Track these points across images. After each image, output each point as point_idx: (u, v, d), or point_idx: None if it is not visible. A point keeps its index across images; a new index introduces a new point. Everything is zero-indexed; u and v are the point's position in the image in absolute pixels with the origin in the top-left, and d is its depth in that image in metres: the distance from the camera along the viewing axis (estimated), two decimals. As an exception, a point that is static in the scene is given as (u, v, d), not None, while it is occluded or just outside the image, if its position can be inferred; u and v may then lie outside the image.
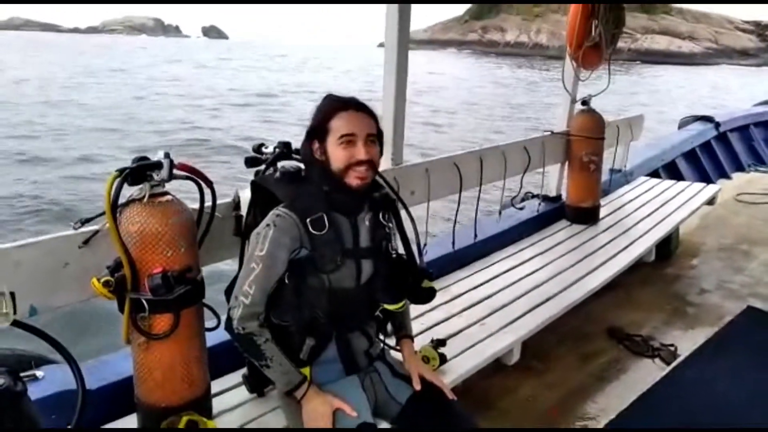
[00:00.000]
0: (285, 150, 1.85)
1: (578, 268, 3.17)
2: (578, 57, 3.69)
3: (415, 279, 1.73)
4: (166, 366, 1.64)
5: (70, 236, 1.63)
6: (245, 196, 1.90)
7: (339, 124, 1.58)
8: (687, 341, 3.09)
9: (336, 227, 1.61)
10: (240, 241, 1.88)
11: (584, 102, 3.91)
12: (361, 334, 1.74)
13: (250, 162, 1.89)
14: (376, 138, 1.63)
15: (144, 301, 1.57)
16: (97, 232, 1.64)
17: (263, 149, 1.91)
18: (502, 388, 2.64)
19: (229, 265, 2.26)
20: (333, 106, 1.61)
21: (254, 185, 1.75)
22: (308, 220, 1.57)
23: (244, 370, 1.96)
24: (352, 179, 1.59)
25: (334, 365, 1.70)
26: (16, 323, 1.44)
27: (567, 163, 4.02)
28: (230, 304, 1.63)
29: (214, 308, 1.80)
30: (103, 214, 1.55)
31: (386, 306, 1.70)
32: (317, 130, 1.60)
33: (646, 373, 2.81)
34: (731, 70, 46.42)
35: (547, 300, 2.77)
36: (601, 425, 2.43)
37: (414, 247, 1.78)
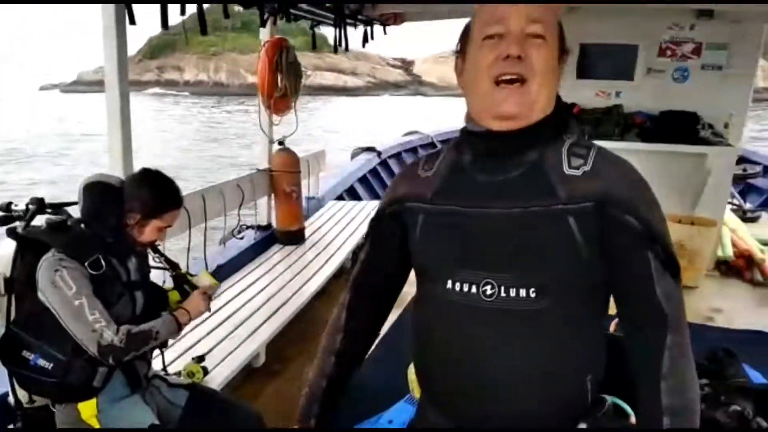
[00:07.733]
0: (39, 206, 2.03)
1: (296, 281, 3.81)
2: (270, 105, 4.36)
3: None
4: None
5: None
6: (3, 252, 2.03)
7: (166, 219, 1.93)
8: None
9: (111, 265, 1.87)
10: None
11: (280, 142, 4.61)
12: (141, 360, 2.02)
13: (2, 221, 2.02)
14: None
15: None
16: None
17: (12, 207, 2.05)
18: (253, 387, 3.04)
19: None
20: (161, 208, 1.91)
21: (21, 238, 1.88)
22: (86, 263, 1.80)
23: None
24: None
25: (120, 385, 1.95)
26: None
27: (273, 195, 4.66)
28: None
29: None
30: None
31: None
32: (148, 213, 1.89)
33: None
34: (393, 99, 53.34)
35: (278, 310, 3.33)
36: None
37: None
